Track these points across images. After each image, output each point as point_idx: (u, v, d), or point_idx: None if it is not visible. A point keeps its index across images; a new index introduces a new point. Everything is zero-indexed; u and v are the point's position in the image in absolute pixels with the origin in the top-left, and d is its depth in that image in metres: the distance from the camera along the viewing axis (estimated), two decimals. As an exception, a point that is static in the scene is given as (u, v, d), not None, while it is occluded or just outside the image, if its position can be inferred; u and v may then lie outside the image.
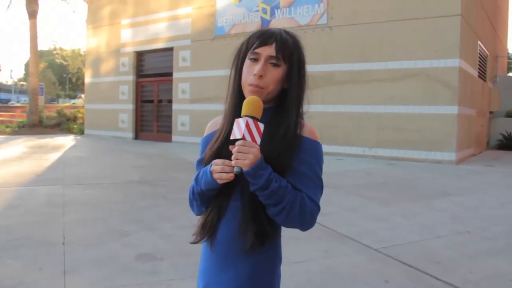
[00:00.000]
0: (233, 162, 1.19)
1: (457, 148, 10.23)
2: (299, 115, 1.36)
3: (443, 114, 10.23)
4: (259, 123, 1.20)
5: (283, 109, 1.34)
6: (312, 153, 1.32)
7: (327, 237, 4.43)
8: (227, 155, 1.24)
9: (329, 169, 8.80)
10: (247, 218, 1.28)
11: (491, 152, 14.21)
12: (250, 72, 1.31)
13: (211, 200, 1.36)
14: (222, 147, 1.32)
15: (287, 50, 1.32)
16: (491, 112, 15.95)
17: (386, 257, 3.90)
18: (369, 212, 5.59)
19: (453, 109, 10.16)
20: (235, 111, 1.34)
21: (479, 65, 13.16)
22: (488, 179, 8.58)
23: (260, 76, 1.29)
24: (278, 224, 1.33)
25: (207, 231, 1.35)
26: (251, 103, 1.22)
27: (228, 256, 1.32)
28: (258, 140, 1.19)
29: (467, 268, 3.71)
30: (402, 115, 10.74)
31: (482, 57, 13.81)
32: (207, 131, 1.47)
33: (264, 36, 1.32)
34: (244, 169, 1.18)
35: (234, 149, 1.18)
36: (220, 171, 1.23)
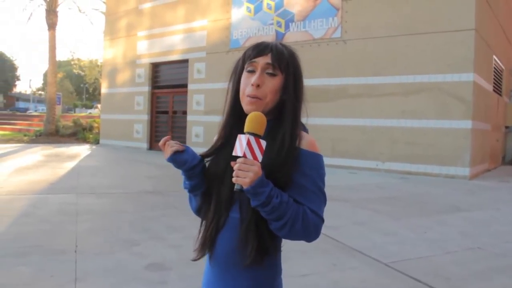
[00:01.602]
0: (233, 180, 1.19)
1: (470, 163, 10.14)
2: (296, 126, 1.34)
3: (457, 128, 10.17)
4: (261, 140, 1.20)
5: (279, 122, 1.34)
6: (312, 166, 1.30)
7: (335, 250, 4.43)
8: (222, 169, 1.31)
9: (341, 182, 8.81)
10: (248, 233, 1.28)
11: (506, 168, 14.03)
12: (248, 83, 1.33)
13: (209, 212, 1.38)
14: (217, 160, 1.37)
15: (283, 60, 1.33)
16: (507, 127, 15.77)
17: (395, 272, 3.88)
18: (379, 226, 5.56)
19: (467, 124, 10.09)
20: (231, 125, 1.38)
21: (494, 79, 13.07)
22: (502, 195, 8.48)
23: (257, 86, 1.30)
24: (279, 238, 1.33)
25: (207, 245, 1.36)
26: (253, 119, 1.21)
27: (226, 270, 1.33)
28: (260, 157, 1.19)
29: (476, 285, 3.68)
30: (415, 129, 10.69)
31: (497, 71, 13.71)
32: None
33: (259, 47, 1.34)
34: (244, 187, 1.18)
35: (234, 167, 1.19)
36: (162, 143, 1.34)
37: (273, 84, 1.32)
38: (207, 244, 1.35)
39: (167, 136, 1.36)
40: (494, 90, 13.16)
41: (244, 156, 1.18)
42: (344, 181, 9.09)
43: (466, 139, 10.12)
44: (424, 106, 10.59)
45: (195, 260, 1.39)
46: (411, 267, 3.98)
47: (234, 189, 1.20)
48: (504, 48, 14.64)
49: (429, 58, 10.51)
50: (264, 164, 1.21)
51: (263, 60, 1.32)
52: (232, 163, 1.21)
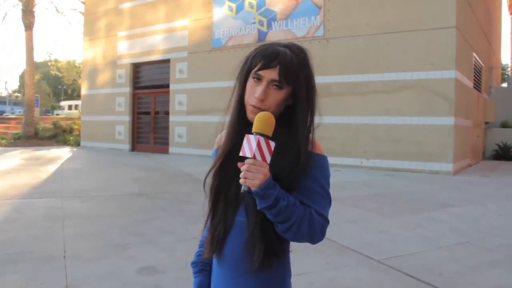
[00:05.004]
0: (241, 181, 1.15)
1: (454, 159, 10.27)
2: (309, 131, 1.33)
3: (440, 125, 10.30)
4: (270, 141, 1.16)
5: (290, 126, 1.31)
6: (318, 168, 1.30)
7: (328, 249, 4.42)
8: (230, 172, 1.28)
9: (327, 180, 8.79)
10: (255, 237, 1.26)
11: (487, 163, 14.28)
12: (253, 92, 1.28)
13: (217, 213, 1.36)
14: (225, 164, 1.33)
15: (291, 73, 1.27)
16: (486, 123, 16.06)
17: (388, 269, 3.90)
18: (370, 223, 5.59)
19: (450, 120, 10.23)
20: (237, 131, 1.33)
21: (474, 76, 13.29)
22: (485, 190, 8.62)
23: (261, 100, 1.26)
24: (286, 240, 1.32)
25: (215, 246, 1.34)
26: (263, 119, 1.18)
27: (236, 273, 1.31)
28: (269, 159, 1.16)
29: (469, 279, 3.71)
30: (399, 127, 10.79)
31: (477, 68, 13.94)
32: (217, 144, 1.45)
33: (268, 58, 1.27)
34: (253, 189, 1.14)
35: (243, 167, 1.15)
36: None
37: (277, 97, 1.27)
38: (215, 244, 1.34)
39: None
40: (474, 87, 13.37)
41: (254, 157, 1.14)
42: (331, 179, 9.06)
43: (449, 135, 10.25)
44: (407, 103, 10.70)
45: (205, 259, 1.41)
46: (404, 264, 4.01)
47: (241, 191, 1.16)
48: (483, 45, 14.90)
49: (412, 55, 10.62)
50: (272, 167, 1.18)
51: (270, 75, 1.26)
52: (239, 164, 1.18)
